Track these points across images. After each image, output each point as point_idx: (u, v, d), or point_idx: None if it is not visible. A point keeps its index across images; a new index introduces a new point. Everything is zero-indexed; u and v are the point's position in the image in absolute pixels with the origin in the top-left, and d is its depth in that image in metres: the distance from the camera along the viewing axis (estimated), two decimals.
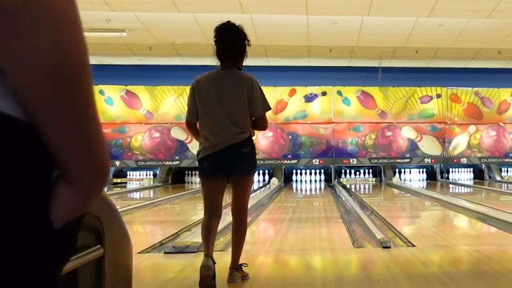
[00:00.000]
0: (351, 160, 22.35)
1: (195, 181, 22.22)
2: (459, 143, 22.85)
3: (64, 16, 0.94)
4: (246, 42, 5.17)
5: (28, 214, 0.96)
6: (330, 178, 22.16)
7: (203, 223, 5.20)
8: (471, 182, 22.35)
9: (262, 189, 18.28)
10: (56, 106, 0.95)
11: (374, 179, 23.00)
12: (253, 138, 5.29)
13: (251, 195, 5.79)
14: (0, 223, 0.93)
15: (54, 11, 0.93)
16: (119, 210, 2.39)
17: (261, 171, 21.86)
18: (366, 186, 21.30)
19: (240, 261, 5.36)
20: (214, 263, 5.05)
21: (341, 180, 22.31)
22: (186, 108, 5.40)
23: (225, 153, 5.07)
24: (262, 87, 5.26)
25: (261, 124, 5.30)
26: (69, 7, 0.95)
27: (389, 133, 22.52)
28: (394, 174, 22.61)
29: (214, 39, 5.16)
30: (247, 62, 5.36)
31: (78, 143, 0.99)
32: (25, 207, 0.96)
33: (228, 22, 5.15)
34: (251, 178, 5.33)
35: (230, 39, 5.15)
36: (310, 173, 22.41)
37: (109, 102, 21.72)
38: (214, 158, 5.10)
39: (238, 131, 5.10)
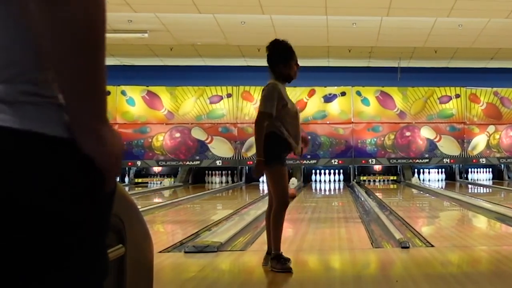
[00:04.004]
0: (370, 160, 22.34)
1: (215, 181, 22.29)
2: (478, 143, 22.74)
3: None
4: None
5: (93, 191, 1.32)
6: (349, 178, 22.15)
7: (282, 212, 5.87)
8: (490, 183, 22.22)
9: None
10: (78, 59, 1.20)
11: (395, 177, 22.96)
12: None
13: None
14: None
15: None
16: (140, 209, 2.44)
17: None
18: (385, 186, 21.28)
19: (258, 258, 5.85)
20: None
21: (361, 178, 22.34)
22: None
23: None
24: None
25: None
26: None
27: (408, 133, 22.47)
28: (413, 174, 22.55)
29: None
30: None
31: (91, 88, 1.24)
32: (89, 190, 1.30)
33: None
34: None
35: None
36: (329, 173, 22.40)
37: (131, 102, 21.84)
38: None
39: None
